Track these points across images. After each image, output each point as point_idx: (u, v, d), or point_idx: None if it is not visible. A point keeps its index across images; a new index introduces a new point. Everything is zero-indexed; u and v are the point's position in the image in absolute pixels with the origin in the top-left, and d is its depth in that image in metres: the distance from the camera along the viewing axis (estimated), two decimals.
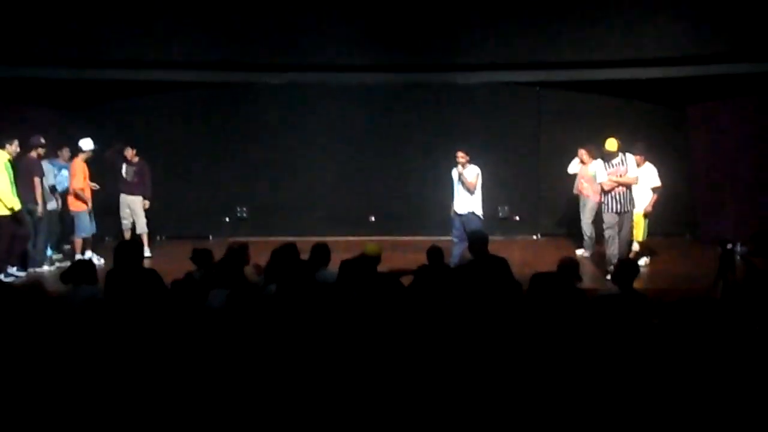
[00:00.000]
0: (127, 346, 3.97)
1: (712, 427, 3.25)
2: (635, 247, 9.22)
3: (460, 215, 8.96)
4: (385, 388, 3.56)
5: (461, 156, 8.88)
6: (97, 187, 10.03)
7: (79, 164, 9.65)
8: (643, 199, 9.20)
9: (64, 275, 5.66)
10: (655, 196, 9.34)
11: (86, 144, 9.74)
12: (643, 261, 9.36)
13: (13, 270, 8.84)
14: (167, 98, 12.09)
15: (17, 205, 8.64)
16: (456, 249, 8.83)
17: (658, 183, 9.33)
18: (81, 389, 3.58)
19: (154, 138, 11.44)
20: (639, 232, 9.21)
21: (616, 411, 3.38)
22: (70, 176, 9.71)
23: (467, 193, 8.89)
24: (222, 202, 12.23)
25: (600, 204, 9.08)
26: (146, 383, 3.63)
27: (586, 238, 10.30)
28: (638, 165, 8.82)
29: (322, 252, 6.24)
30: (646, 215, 9.29)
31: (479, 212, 8.93)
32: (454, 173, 9.03)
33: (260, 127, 12.23)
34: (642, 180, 8.96)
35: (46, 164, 9.58)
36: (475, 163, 8.95)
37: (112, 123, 11.82)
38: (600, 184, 8.68)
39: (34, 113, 10.80)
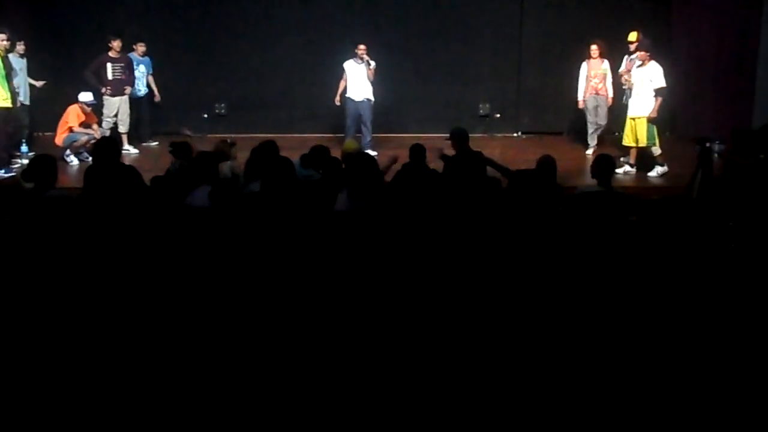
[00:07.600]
0: (105, 244, 3.97)
1: (681, 319, 3.36)
2: (656, 151, 8.49)
3: (357, 102, 9.73)
4: (369, 282, 3.62)
5: (363, 48, 9.56)
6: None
7: (75, 110, 9.41)
8: (647, 102, 8.42)
9: (25, 173, 5.48)
10: (659, 99, 8.36)
11: (85, 97, 9.47)
12: (656, 171, 8.54)
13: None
14: None
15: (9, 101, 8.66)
16: (349, 134, 9.67)
17: (662, 84, 8.39)
18: (62, 285, 3.60)
19: (130, 32, 11.04)
20: (642, 137, 8.40)
21: (589, 301, 3.47)
22: (63, 116, 9.44)
23: (367, 82, 9.68)
24: (200, 98, 11.97)
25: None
26: (126, 280, 3.65)
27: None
28: (643, 63, 8.44)
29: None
30: (650, 120, 8.39)
31: (372, 98, 9.83)
32: (350, 65, 9.68)
33: (239, 22, 11.82)
34: (645, 81, 8.42)
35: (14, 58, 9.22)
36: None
37: (84, 16, 11.37)
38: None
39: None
